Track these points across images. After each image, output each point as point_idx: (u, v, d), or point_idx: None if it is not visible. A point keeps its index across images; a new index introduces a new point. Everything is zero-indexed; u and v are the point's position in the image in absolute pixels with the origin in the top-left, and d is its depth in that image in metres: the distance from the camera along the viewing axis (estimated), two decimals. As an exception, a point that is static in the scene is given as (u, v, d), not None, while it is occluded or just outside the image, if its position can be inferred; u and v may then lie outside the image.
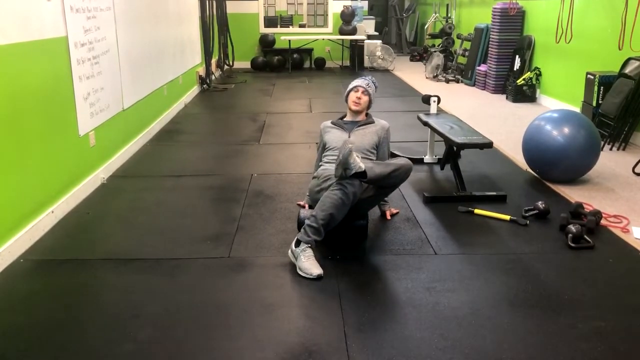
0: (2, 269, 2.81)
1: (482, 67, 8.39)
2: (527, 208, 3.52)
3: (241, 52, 10.65)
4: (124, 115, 4.72)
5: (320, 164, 3.44)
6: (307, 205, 3.52)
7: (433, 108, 4.66)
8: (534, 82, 7.28)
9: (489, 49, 8.19)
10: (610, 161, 4.64)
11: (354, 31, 10.67)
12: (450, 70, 9.52)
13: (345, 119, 3.55)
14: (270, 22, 11.20)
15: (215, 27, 9.17)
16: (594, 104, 5.46)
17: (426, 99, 4.74)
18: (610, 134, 5.08)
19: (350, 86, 3.51)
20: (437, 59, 9.49)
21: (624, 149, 5.02)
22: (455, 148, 3.90)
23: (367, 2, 13.10)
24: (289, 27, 11.28)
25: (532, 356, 2.14)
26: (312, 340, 2.23)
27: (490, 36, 8.14)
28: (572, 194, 3.87)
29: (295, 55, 10.84)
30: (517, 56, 7.67)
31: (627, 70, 5.13)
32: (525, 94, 7.30)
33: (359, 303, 2.51)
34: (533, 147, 4.12)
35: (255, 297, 2.56)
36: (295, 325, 2.34)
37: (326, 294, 2.58)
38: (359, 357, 2.13)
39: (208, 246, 3.09)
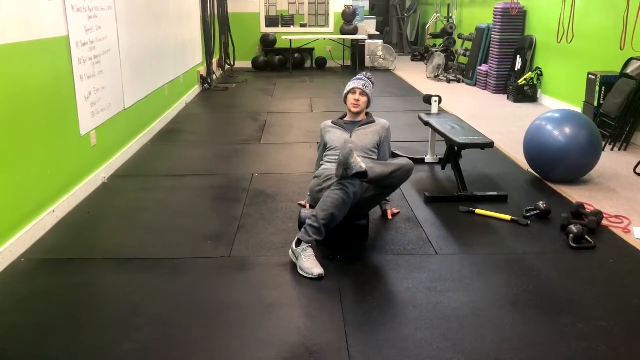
0: (3, 268, 2.81)
1: (484, 67, 8.39)
2: (528, 208, 3.52)
3: (242, 52, 10.66)
4: (125, 115, 4.72)
5: (321, 163, 3.44)
6: (308, 205, 3.52)
7: (434, 108, 4.66)
8: (535, 82, 7.28)
9: (490, 48, 8.18)
10: (612, 161, 4.64)
11: (355, 31, 10.67)
12: (451, 70, 9.52)
13: (345, 119, 3.54)
14: (271, 21, 11.20)
15: (217, 26, 9.17)
16: (596, 104, 5.46)
17: (427, 99, 4.73)
18: (612, 134, 5.07)
19: (348, 88, 3.50)
20: (439, 58, 9.48)
21: (625, 149, 5.01)
22: (456, 148, 3.90)
23: (368, 1, 13.11)
24: (290, 26, 11.28)
25: (533, 356, 2.14)
26: (313, 340, 2.23)
27: (492, 36, 8.13)
28: (573, 194, 3.86)
29: (296, 55, 10.84)
30: (518, 56, 7.67)
31: (628, 71, 5.13)
32: (526, 94, 7.29)
33: (360, 303, 2.51)
34: (534, 147, 4.12)
35: (256, 297, 2.56)
36: (296, 325, 2.34)
37: (327, 294, 2.58)
38: (360, 356, 2.13)
39: (209, 246, 3.09)
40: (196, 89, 8.02)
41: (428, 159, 4.66)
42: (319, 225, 2.80)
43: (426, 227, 3.33)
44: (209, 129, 6.08)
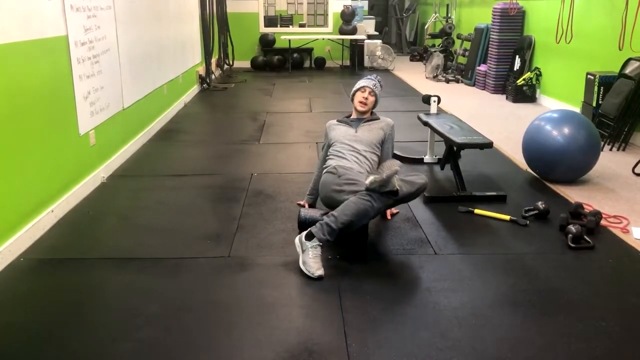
0: (3, 267, 2.81)
1: (482, 67, 8.39)
2: (527, 208, 3.53)
3: (241, 52, 10.65)
4: (124, 115, 4.72)
5: (327, 158, 3.40)
6: (307, 205, 3.52)
7: (433, 108, 4.66)
8: (534, 82, 7.28)
9: (489, 49, 8.19)
10: (610, 161, 4.65)
11: (354, 31, 10.68)
12: (450, 70, 9.53)
13: (351, 117, 3.56)
14: (270, 21, 11.20)
15: (216, 26, 9.17)
16: (594, 104, 5.47)
17: (426, 99, 4.74)
18: (610, 134, 5.08)
19: (357, 86, 3.52)
20: (437, 59, 9.49)
21: (623, 150, 5.02)
22: (455, 148, 3.90)
23: (367, 1, 13.11)
24: (289, 26, 11.28)
25: (532, 356, 2.14)
26: (313, 340, 2.23)
27: (491, 36, 8.14)
28: (572, 194, 3.87)
29: (295, 55, 10.84)
30: (517, 56, 7.67)
31: (627, 71, 5.13)
32: (525, 94, 7.30)
33: (359, 303, 2.51)
34: (533, 147, 4.12)
35: (256, 297, 2.56)
36: (295, 325, 2.34)
37: (326, 294, 2.58)
38: (359, 356, 2.13)
39: (208, 245, 3.09)
40: (195, 89, 8.02)
41: (427, 159, 4.67)
42: (336, 227, 2.77)
43: (425, 227, 3.34)
44: (208, 128, 6.08)
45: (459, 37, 9.61)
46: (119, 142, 4.62)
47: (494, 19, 7.96)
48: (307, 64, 11.29)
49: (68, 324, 2.34)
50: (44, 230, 3.24)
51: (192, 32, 7.86)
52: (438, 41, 10.66)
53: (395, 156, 3.85)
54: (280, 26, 11.21)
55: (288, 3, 11.50)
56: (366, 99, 3.45)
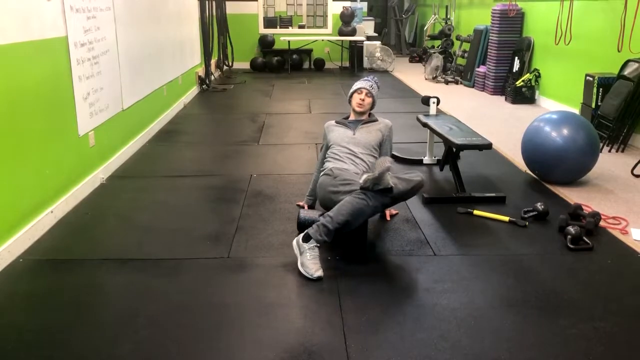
0: (1, 268, 2.81)
1: (482, 69, 8.40)
2: (526, 209, 3.53)
3: (240, 53, 10.66)
4: (123, 116, 4.72)
5: (325, 161, 3.41)
6: (306, 206, 3.52)
7: (432, 109, 4.67)
8: (533, 83, 7.29)
9: (488, 50, 8.20)
10: (609, 163, 4.65)
11: (353, 32, 10.68)
12: (449, 72, 9.53)
13: (349, 119, 3.56)
14: (269, 22, 11.21)
15: (215, 27, 9.17)
16: (593, 105, 5.47)
17: (425, 100, 4.74)
18: (609, 136, 5.08)
19: (354, 87, 3.52)
20: (437, 60, 9.50)
21: (622, 151, 5.03)
22: (454, 149, 3.91)
23: (366, 3, 13.12)
24: (288, 27, 11.29)
25: (531, 357, 2.14)
26: (312, 341, 2.23)
27: (490, 37, 8.15)
28: (571, 195, 3.87)
29: (294, 56, 10.85)
30: (516, 58, 7.68)
31: (626, 72, 5.14)
32: (524, 96, 7.31)
33: (359, 304, 2.51)
34: (532, 149, 4.13)
35: (255, 298, 2.56)
36: (294, 326, 2.34)
37: (326, 295, 2.59)
38: (359, 357, 2.13)
39: (207, 246, 3.10)
40: (194, 90, 8.02)
41: (426, 160, 4.67)
42: (332, 227, 2.78)
43: (424, 228, 3.34)
44: (207, 129, 6.08)
45: (458, 38, 9.62)
46: (119, 143, 4.62)
47: (493, 20, 7.97)
48: (306, 65, 11.29)
49: (68, 325, 2.34)
50: (43, 231, 3.24)
51: (192, 33, 7.86)
52: (437, 42, 10.68)
53: (394, 157, 3.86)
54: (280, 27, 11.21)
55: (287, 4, 11.51)
56: (363, 100, 3.46)
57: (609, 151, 5.02)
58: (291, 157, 4.87)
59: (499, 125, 6.12)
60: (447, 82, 9.16)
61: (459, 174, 3.92)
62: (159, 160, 4.79)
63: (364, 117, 3.53)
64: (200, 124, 6.30)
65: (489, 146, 3.77)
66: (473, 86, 8.70)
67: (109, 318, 2.40)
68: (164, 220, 3.47)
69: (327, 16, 11.40)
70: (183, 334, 2.28)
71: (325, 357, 2.14)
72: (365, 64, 11.00)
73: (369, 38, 11.31)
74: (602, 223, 3.36)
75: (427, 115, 4.61)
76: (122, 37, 4.69)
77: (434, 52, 9.78)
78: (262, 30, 11.13)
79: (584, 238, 3.11)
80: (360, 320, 2.38)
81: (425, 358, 2.13)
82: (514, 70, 7.69)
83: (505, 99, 7.58)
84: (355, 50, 10.76)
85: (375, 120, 3.51)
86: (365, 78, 3.56)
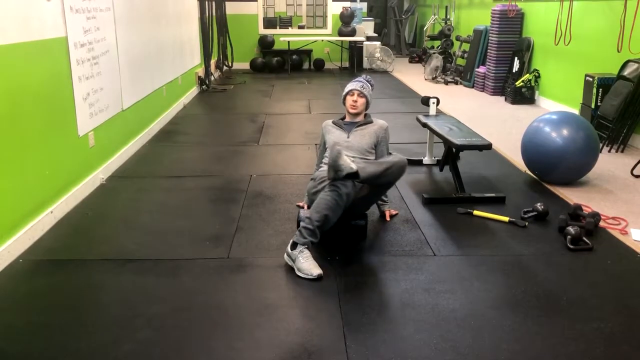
0: (1, 269, 2.81)
1: (481, 69, 8.41)
2: (526, 210, 3.53)
3: (240, 53, 10.66)
4: (123, 116, 4.72)
5: (320, 165, 3.45)
6: (306, 206, 3.52)
7: (432, 109, 4.67)
8: (532, 84, 7.30)
9: (488, 50, 8.21)
10: (609, 163, 4.65)
11: (353, 32, 10.69)
12: (449, 72, 9.54)
13: (345, 120, 3.56)
14: (269, 23, 11.21)
15: (215, 28, 9.17)
16: (593, 106, 5.48)
17: (425, 101, 4.74)
18: (609, 136, 5.09)
19: (346, 90, 3.52)
20: (436, 60, 9.50)
21: (622, 151, 5.03)
22: (454, 149, 3.91)
23: (366, 3, 13.13)
24: (288, 28, 11.29)
25: (531, 357, 2.14)
26: (312, 341, 2.23)
27: (489, 38, 8.15)
28: (571, 195, 3.87)
29: (294, 57, 10.85)
30: (516, 58, 7.69)
31: (625, 73, 5.14)
32: (524, 96, 7.31)
33: (358, 304, 2.51)
34: (532, 149, 4.13)
35: (255, 298, 2.56)
36: (294, 326, 2.34)
37: (325, 295, 2.59)
38: (358, 357, 2.13)
39: (207, 247, 3.10)
40: (194, 90, 8.02)
41: (426, 160, 4.67)
42: (313, 227, 2.81)
43: (424, 229, 3.34)
44: (207, 130, 6.08)
45: (457, 38, 9.62)
46: (118, 143, 4.62)
47: (492, 20, 7.98)
48: (306, 65, 11.29)
49: (67, 325, 2.34)
50: (43, 232, 3.24)
51: (192, 33, 7.86)
52: (437, 43, 10.68)
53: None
54: (280, 28, 11.22)
55: (287, 5, 11.51)
56: (356, 102, 3.46)
57: (609, 151, 5.02)
58: (291, 158, 4.87)
59: (499, 125, 6.12)
60: (446, 83, 9.16)
61: (458, 174, 3.92)
62: (159, 161, 4.79)
63: (359, 117, 3.53)
64: (200, 125, 6.30)
65: (488, 146, 3.77)
66: (473, 86, 8.70)
67: (109, 318, 2.40)
68: (164, 220, 3.47)
69: (326, 16, 11.40)
70: (183, 334, 2.28)
71: (325, 357, 2.14)
72: (365, 65, 11.01)
73: (368, 38, 11.32)
74: (601, 223, 3.36)
75: (426, 115, 4.61)
76: (121, 37, 4.69)
77: (434, 53, 9.79)
78: (262, 31, 11.13)
79: (584, 238, 3.12)
80: (360, 320, 2.38)
81: (425, 358, 2.13)
82: (514, 71, 7.69)
83: (505, 100, 7.58)
84: (355, 51, 10.77)
85: (371, 122, 3.51)
86: (357, 79, 3.54)
